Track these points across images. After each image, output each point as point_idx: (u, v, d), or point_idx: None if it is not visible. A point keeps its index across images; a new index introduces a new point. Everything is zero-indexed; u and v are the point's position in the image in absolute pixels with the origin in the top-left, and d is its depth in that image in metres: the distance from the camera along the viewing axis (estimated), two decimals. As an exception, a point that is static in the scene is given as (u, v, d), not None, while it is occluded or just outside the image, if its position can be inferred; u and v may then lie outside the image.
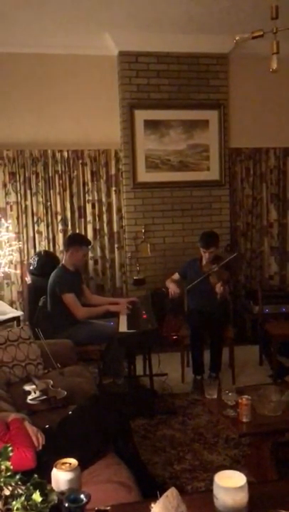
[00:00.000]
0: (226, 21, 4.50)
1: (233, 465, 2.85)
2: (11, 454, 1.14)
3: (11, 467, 1.10)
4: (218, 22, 4.57)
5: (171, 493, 1.19)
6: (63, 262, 4.15)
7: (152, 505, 1.22)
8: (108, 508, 1.23)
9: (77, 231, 5.10)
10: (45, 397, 2.70)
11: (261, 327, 4.57)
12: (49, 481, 1.43)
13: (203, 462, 2.93)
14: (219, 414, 2.72)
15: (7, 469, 1.09)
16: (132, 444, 2.62)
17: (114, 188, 5.17)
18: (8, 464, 1.11)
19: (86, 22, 4.51)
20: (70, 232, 5.02)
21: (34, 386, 2.81)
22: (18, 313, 4.60)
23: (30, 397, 2.72)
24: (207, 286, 4.21)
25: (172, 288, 4.32)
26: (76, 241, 4.14)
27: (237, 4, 4.21)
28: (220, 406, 2.73)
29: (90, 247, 4.48)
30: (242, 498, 1.27)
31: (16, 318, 4.50)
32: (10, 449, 1.14)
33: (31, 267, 4.77)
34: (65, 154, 5.03)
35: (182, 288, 4.38)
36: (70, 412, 2.40)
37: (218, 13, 4.42)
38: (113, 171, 5.15)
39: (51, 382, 2.89)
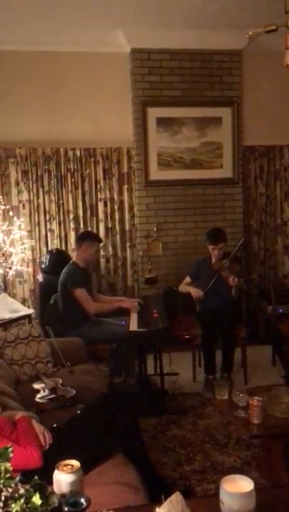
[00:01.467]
0: (239, 17, 4.43)
1: (244, 467, 2.81)
2: (11, 455, 1.12)
3: (11, 469, 1.08)
4: (232, 18, 4.51)
5: (176, 497, 1.16)
6: (74, 258, 4.16)
7: (157, 509, 1.19)
8: None
9: (89, 229, 5.09)
10: (53, 395, 2.70)
11: (274, 327, 4.51)
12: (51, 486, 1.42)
13: (214, 463, 2.89)
14: (230, 415, 2.68)
15: (6, 471, 1.07)
16: (141, 444, 2.59)
17: (126, 186, 5.15)
18: (8, 465, 1.09)
19: (98, 19, 4.49)
20: (82, 230, 5.01)
21: (43, 384, 2.80)
22: (30, 311, 4.60)
23: (38, 396, 2.71)
24: (219, 285, 4.16)
25: (194, 291, 4.28)
26: (89, 237, 4.18)
27: (250, 0, 4.14)
28: (231, 407, 2.69)
29: (101, 245, 4.48)
30: (249, 503, 1.23)
31: (28, 316, 4.50)
32: (10, 449, 1.12)
33: (43, 265, 4.78)
34: (78, 152, 5.02)
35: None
36: (78, 412, 2.38)
37: (231, 9, 4.36)
38: (125, 169, 5.13)
39: (60, 380, 2.88)
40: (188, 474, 2.78)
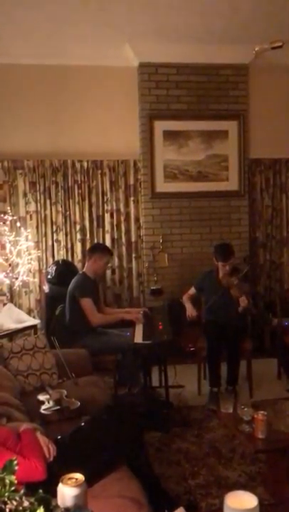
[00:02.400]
0: (246, 32, 4.48)
1: (249, 482, 2.79)
2: (16, 468, 1.13)
3: (16, 481, 1.08)
4: (238, 33, 4.56)
5: (179, 512, 1.15)
6: (84, 269, 4.21)
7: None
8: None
9: (96, 240, 5.12)
10: (58, 407, 2.70)
11: (280, 340, 4.49)
12: (57, 494, 1.42)
13: (218, 478, 2.86)
14: (235, 429, 2.66)
15: (11, 484, 1.07)
16: (145, 457, 2.58)
17: (132, 198, 5.18)
18: (13, 478, 1.09)
19: (107, 34, 4.55)
20: (88, 242, 5.05)
21: (48, 396, 2.81)
22: (36, 321, 4.62)
23: (43, 407, 2.71)
24: (225, 299, 4.15)
25: (189, 311, 4.29)
26: (100, 249, 4.25)
27: (257, 15, 4.19)
28: (235, 421, 2.67)
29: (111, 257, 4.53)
30: (253, 520, 1.22)
31: (34, 327, 4.52)
32: (15, 462, 1.13)
33: (49, 276, 4.80)
34: (85, 164, 5.07)
35: (199, 307, 4.34)
36: (83, 424, 2.38)
37: (237, 24, 4.41)
38: (132, 181, 5.16)
39: (65, 392, 2.88)
40: (192, 488, 2.76)
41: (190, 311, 4.29)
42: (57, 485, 1.47)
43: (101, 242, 5.11)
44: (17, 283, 4.73)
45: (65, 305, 4.13)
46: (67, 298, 4.10)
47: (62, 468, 1.72)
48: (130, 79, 5.09)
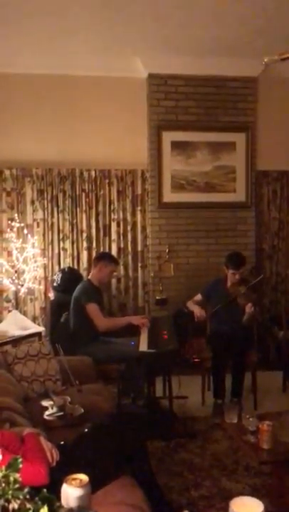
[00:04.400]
0: (255, 45, 4.53)
1: (253, 494, 2.74)
2: (20, 466, 1.12)
3: (20, 479, 1.07)
4: (247, 45, 4.61)
5: (184, 516, 1.14)
6: (90, 276, 4.23)
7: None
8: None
9: (102, 249, 5.12)
10: (62, 413, 2.68)
11: (286, 352, 4.46)
12: (60, 499, 1.40)
13: (222, 490, 2.83)
14: (239, 440, 2.63)
15: (15, 481, 1.06)
16: (148, 466, 2.55)
17: (139, 208, 5.20)
18: (17, 475, 1.08)
19: (117, 46, 4.61)
20: (94, 250, 5.06)
21: (51, 402, 2.79)
22: (40, 328, 4.62)
23: (47, 413, 2.70)
24: (232, 309, 4.14)
25: (197, 311, 4.27)
26: (106, 257, 4.28)
27: (266, 28, 4.24)
28: (240, 431, 2.65)
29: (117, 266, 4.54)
30: (259, 526, 1.20)
31: (38, 334, 4.51)
32: (20, 460, 1.12)
33: (55, 283, 4.80)
34: (93, 173, 5.10)
35: (206, 310, 4.33)
36: (86, 430, 2.36)
37: (246, 37, 4.46)
38: (139, 191, 5.18)
39: (69, 398, 2.87)
40: (195, 500, 2.73)
41: (198, 311, 4.26)
42: (59, 490, 1.46)
43: (107, 251, 5.12)
44: (22, 290, 4.74)
45: (70, 312, 4.13)
46: (71, 305, 4.10)
47: (64, 473, 1.71)
48: (139, 90, 5.13)
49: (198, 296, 4.43)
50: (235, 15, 4.02)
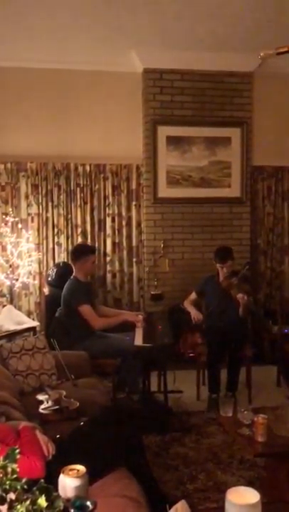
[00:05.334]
0: (251, 40, 4.52)
1: (248, 487, 2.76)
2: (18, 457, 1.12)
3: (18, 469, 1.07)
4: (243, 40, 4.60)
5: (182, 506, 1.14)
6: (74, 273, 4.12)
7: (161, 518, 1.18)
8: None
9: (97, 244, 5.11)
10: (57, 407, 2.68)
11: (280, 347, 4.48)
12: (57, 491, 1.40)
13: (217, 483, 2.84)
14: (234, 433, 2.65)
15: (13, 471, 1.06)
16: (144, 459, 2.56)
17: (134, 203, 5.19)
18: (15, 466, 1.08)
19: (113, 40, 4.59)
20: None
21: (47, 396, 2.79)
22: (35, 323, 4.61)
23: (42, 407, 2.70)
24: (227, 303, 4.15)
25: (194, 314, 4.29)
26: (82, 252, 4.14)
27: (262, 23, 4.23)
28: (235, 424, 2.66)
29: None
30: (255, 516, 1.21)
31: (33, 329, 4.51)
32: (17, 451, 1.12)
33: (49, 278, 4.79)
34: (88, 168, 5.08)
35: (202, 307, 4.34)
36: (82, 423, 2.36)
37: (243, 32, 4.45)
38: (134, 186, 5.17)
39: (64, 392, 2.87)
40: (190, 493, 2.74)
41: (195, 314, 4.29)
42: (55, 483, 1.46)
43: (102, 245, 5.12)
44: (17, 285, 4.72)
45: (62, 311, 4.10)
46: (62, 304, 4.07)
47: (61, 466, 1.71)
48: (135, 84, 5.12)
49: (193, 295, 4.44)
50: (231, 10, 4.01)
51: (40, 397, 2.80)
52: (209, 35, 4.53)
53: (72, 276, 4.12)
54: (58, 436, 2.25)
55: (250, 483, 2.80)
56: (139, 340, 3.65)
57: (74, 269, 4.13)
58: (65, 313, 4.03)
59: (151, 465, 2.84)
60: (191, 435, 3.47)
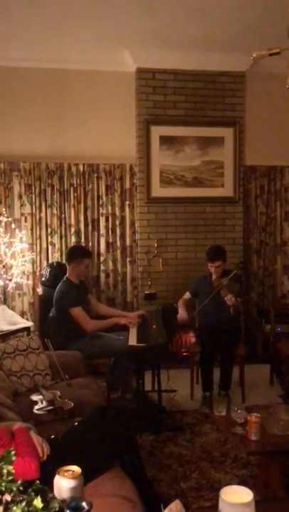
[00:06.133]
0: (244, 40, 4.54)
1: (241, 485, 2.77)
2: (13, 459, 1.13)
3: (13, 471, 1.08)
4: (236, 41, 4.61)
5: (176, 505, 1.15)
6: (67, 275, 4.10)
7: (156, 518, 1.19)
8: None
9: (90, 244, 5.12)
10: (51, 407, 2.69)
11: (273, 346, 4.51)
12: (52, 492, 1.41)
13: (210, 481, 2.86)
14: (227, 432, 2.67)
15: (9, 473, 1.07)
16: (138, 459, 2.57)
17: (128, 202, 5.19)
18: (11, 468, 1.09)
19: (106, 39, 4.59)
20: (83, 245, 5.03)
21: (41, 396, 2.79)
22: (29, 323, 4.60)
23: (36, 407, 2.70)
24: (219, 302, 4.17)
25: (180, 314, 4.32)
26: (77, 254, 4.13)
27: (255, 24, 4.25)
28: (229, 423, 2.68)
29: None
30: (248, 514, 1.23)
31: (27, 329, 4.50)
32: (13, 453, 1.13)
33: (43, 278, 4.79)
34: (81, 168, 5.08)
35: (191, 311, 4.36)
36: (76, 423, 2.37)
37: (235, 33, 4.46)
38: (128, 185, 5.18)
39: (58, 393, 2.88)
40: (184, 491, 2.76)
41: (181, 314, 4.32)
42: (50, 484, 1.47)
43: (95, 245, 5.13)
44: (11, 285, 4.71)
45: (54, 312, 4.10)
46: (54, 306, 4.06)
47: (56, 467, 1.72)
48: (128, 84, 5.12)
49: (187, 295, 4.46)
50: (224, 10, 4.03)
51: (35, 397, 2.81)
52: (202, 36, 4.54)
53: (64, 278, 4.12)
54: (52, 436, 2.26)
55: (243, 482, 2.83)
56: (133, 339, 3.66)
57: (67, 270, 4.13)
58: (57, 314, 4.03)
59: (145, 464, 2.86)
60: (184, 434, 3.49)
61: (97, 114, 5.11)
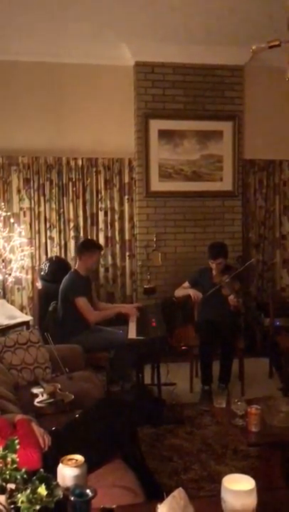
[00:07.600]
0: (242, 33, 4.52)
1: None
2: (17, 447, 1.13)
3: (17, 459, 1.09)
4: (235, 34, 4.60)
5: (179, 493, 1.16)
6: (76, 267, 4.19)
7: (159, 505, 1.20)
8: (114, 506, 1.21)
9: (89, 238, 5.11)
10: (52, 400, 2.69)
11: (272, 339, 4.52)
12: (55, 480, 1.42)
13: (211, 473, 2.88)
14: (228, 424, 2.68)
15: (13, 461, 1.08)
16: (139, 451, 2.59)
17: (127, 197, 5.19)
18: (15, 456, 1.10)
19: (104, 33, 4.57)
20: (82, 239, 5.03)
21: (42, 389, 2.80)
22: (28, 318, 4.60)
23: (37, 400, 2.71)
24: (218, 298, 4.17)
25: (193, 293, 4.28)
26: (90, 246, 4.23)
27: (253, 17, 4.24)
28: (229, 415, 2.69)
29: (101, 253, 4.55)
30: (250, 502, 1.24)
31: (26, 323, 4.50)
32: (17, 442, 1.13)
33: (42, 273, 4.79)
34: (80, 162, 5.07)
35: (192, 305, 4.36)
36: (77, 416, 2.38)
37: (234, 26, 4.45)
38: (126, 180, 5.17)
39: (59, 385, 2.88)
40: (184, 483, 2.76)
41: (194, 293, 4.27)
42: (53, 475, 1.47)
43: (89, 237, 5.11)
44: (10, 279, 4.71)
45: (58, 303, 4.12)
46: (59, 296, 4.09)
47: (57, 459, 1.73)
48: (126, 78, 5.10)
49: (186, 284, 4.46)
50: (222, 3, 4.01)
51: (35, 390, 2.81)
52: (201, 29, 4.53)
53: (72, 269, 4.21)
54: (53, 428, 2.27)
55: (243, 473, 2.83)
56: (132, 333, 3.67)
57: (77, 262, 4.21)
58: (62, 306, 4.05)
59: (146, 456, 2.88)
60: (184, 427, 3.50)
61: (95, 108, 5.10)
